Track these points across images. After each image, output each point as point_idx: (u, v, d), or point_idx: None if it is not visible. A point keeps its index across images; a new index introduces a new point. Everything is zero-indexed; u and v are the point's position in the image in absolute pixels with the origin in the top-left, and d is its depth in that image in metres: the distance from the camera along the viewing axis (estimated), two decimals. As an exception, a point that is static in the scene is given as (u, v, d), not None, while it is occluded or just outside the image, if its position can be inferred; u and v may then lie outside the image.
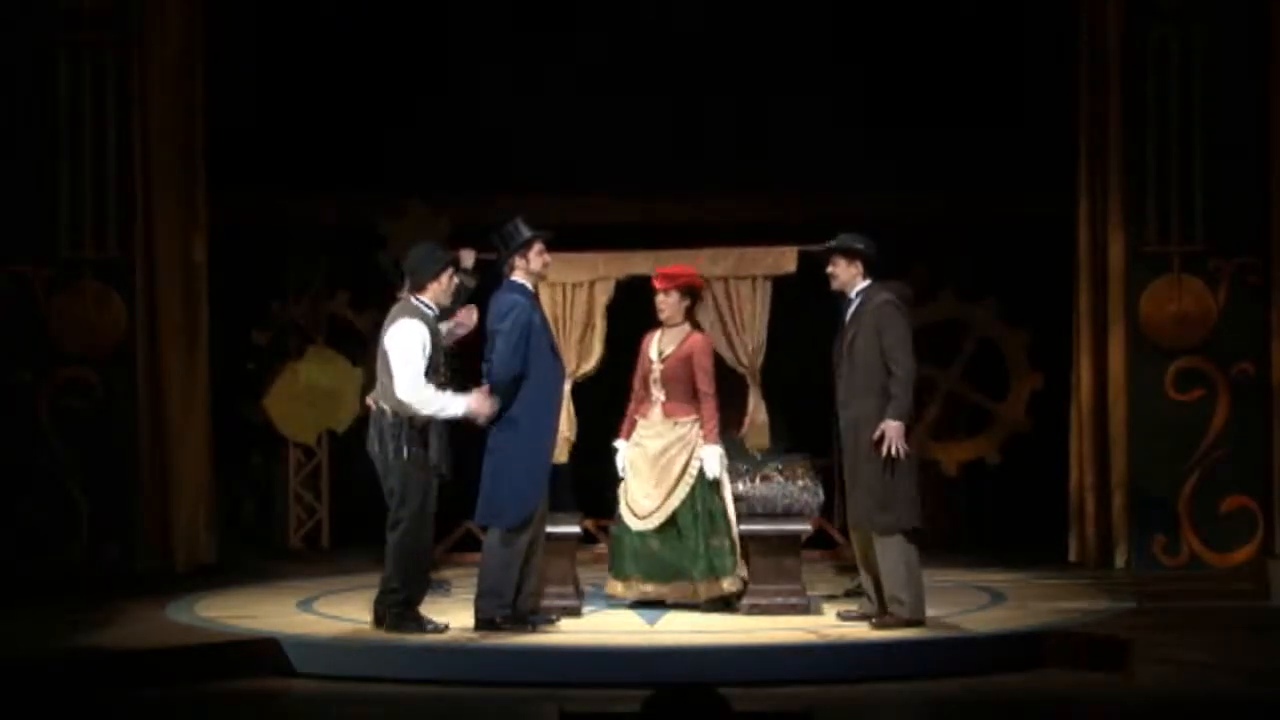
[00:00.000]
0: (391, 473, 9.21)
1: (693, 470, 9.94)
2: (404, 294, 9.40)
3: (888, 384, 9.16)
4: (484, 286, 9.63)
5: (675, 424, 9.98)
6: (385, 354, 9.19)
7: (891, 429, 9.11)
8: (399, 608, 9.24)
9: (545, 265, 9.55)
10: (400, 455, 9.14)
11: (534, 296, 9.52)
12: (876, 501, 9.16)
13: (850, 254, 9.37)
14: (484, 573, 9.33)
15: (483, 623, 9.27)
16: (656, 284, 10.07)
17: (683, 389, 9.99)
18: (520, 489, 9.25)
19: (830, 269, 9.43)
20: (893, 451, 9.07)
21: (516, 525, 9.27)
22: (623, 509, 10.01)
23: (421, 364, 9.12)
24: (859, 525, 9.30)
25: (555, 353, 9.49)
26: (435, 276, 9.27)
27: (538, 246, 9.46)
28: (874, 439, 9.11)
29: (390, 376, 9.14)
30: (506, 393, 9.27)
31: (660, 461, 9.93)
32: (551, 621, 9.41)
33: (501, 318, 9.35)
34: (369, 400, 9.45)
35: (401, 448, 9.13)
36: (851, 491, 9.27)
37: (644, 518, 9.91)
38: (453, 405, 9.18)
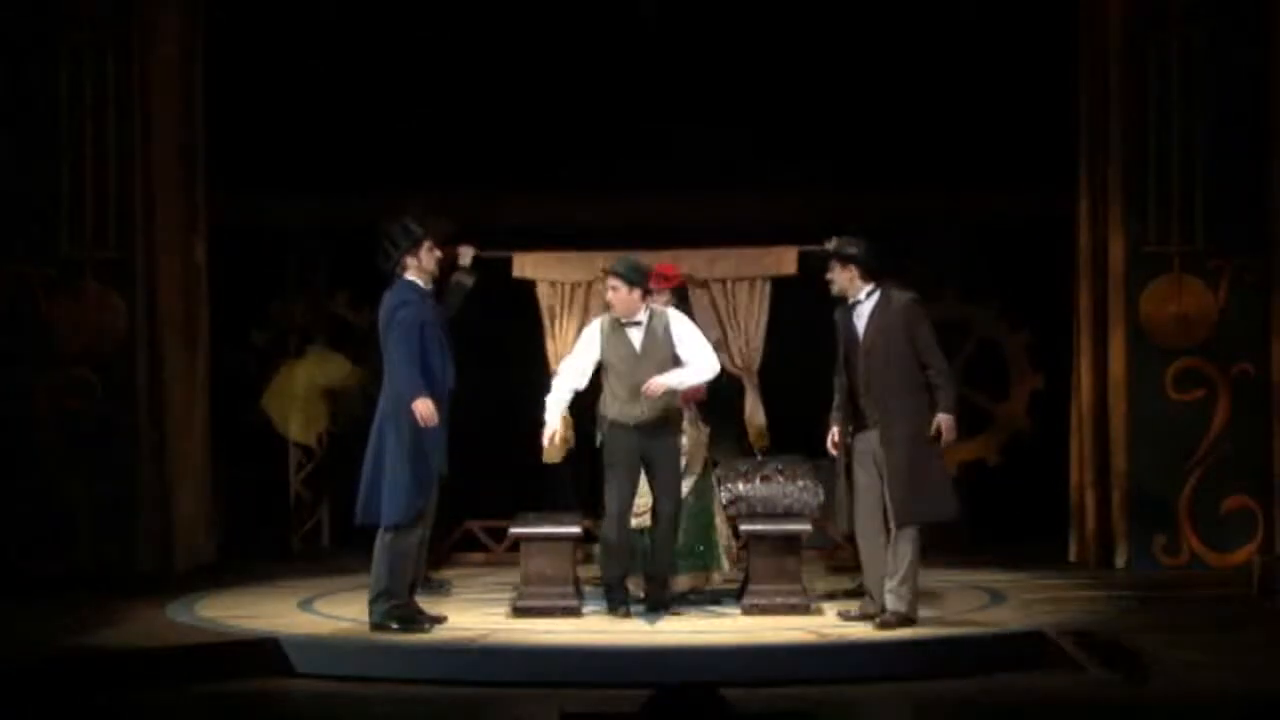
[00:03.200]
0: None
1: (692, 474, 9.97)
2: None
3: (923, 380, 9.23)
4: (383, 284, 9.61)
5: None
6: (684, 343, 9.69)
7: (947, 421, 9.22)
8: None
9: (437, 262, 9.52)
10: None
11: (425, 295, 9.46)
12: (912, 491, 9.19)
13: (844, 259, 9.40)
14: (376, 575, 9.31)
15: (377, 626, 9.28)
16: (651, 284, 10.06)
17: None
18: (408, 489, 9.24)
19: (828, 275, 9.49)
20: (945, 441, 9.24)
21: (405, 525, 9.27)
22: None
23: None
24: (904, 521, 9.29)
25: (445, 352, 9.40)
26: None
27: (428, 244, 9.44)
28: (930, 434, 9.19)
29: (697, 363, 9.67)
30: (413, 391, 9.22)
31: None
32: (440, 621, 9.43)
33: (389, 324, 9.33)
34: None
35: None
36: (892, 485, 9.28)
37: (640, 515, 9.95)
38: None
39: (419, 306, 9.34)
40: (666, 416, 9.71)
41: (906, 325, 9.29)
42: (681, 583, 10.05)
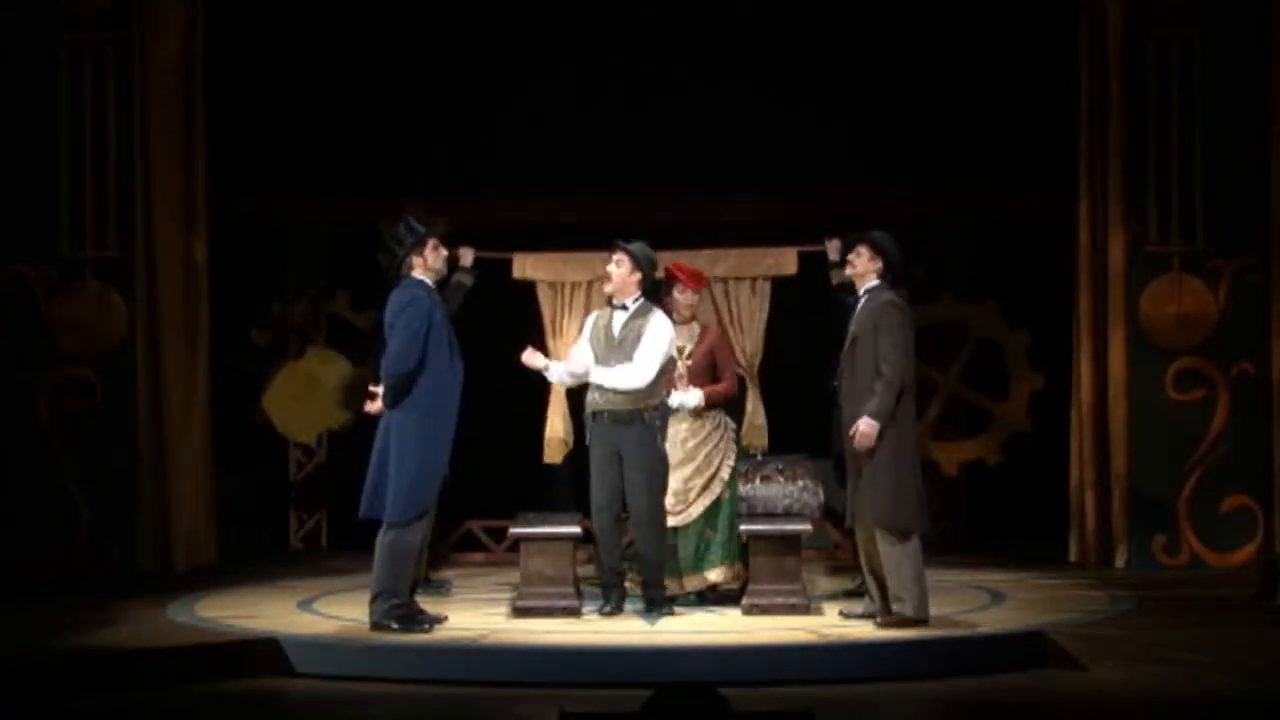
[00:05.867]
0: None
1: (727, 467, 10.01)
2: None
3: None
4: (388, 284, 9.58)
5: (704, 419, 10.07)
6: (640, 346, 9.62)
7: (862, 426, 9.12)
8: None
9: (443, 260, 9.52)
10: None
11: (433, 293, 9.46)
12: (883, 500, 9.16)
13: (877, 249, 9.38)
14: (378, 574, 9.29)
15: (377, 626, 9.26)
16: (690, 284, 10.10)
17: (705, 382, 10.10)
18: (413, 486, 9.22)
19: (852, 256, 9.47)
20: (858, 449, 9.10)
21: (407, 522, 9.25)
22: None
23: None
24: (864, 524, 9.29)
25: (454, 350, 9.37)
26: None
27: (432, 242, 9.44)
28: (849, 435, 9.14)
29: (628, 368, 9.63)
30: (399, 387, 9.22)
31: (696, 458, 9.99)
32: (440, 621, 9.41)
33: (399, 313, 9.31)
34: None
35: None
36: (855, 489, 9.27)
37: (674, 514, 9.94)
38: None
39: (427, 304, 9.35)
40: (635, 411, 9.67)
41: (875, 325, 9.24)
42: (713, 576, 10.06)
